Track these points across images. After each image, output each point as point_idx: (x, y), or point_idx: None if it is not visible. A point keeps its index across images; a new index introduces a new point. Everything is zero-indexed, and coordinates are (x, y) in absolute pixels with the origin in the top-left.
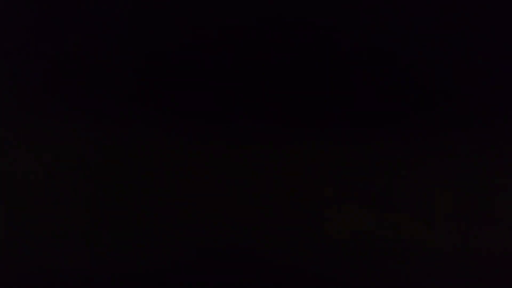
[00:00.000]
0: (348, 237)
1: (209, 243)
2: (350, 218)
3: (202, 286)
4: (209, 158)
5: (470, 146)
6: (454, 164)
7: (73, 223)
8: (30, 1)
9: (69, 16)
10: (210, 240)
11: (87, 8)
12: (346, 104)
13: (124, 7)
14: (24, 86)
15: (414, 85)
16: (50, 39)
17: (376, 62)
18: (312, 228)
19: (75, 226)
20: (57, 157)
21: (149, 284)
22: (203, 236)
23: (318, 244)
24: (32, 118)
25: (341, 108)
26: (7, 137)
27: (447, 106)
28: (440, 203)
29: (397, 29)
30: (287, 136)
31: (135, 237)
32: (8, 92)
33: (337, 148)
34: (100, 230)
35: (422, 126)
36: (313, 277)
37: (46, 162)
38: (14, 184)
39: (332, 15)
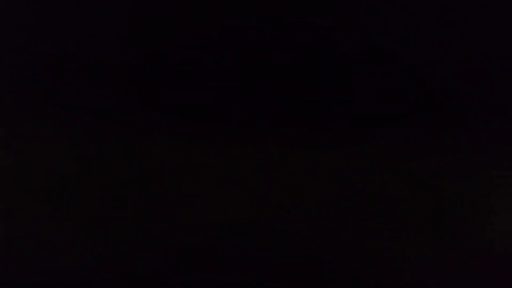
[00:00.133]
0: (348, 238)
1: (209, 243)
2: (350, 217)
3: (202, 286)
4: (209, 158)
5: (470, 146)
6: (454, 164)
7: (73, 223)
8: (30, 1)
9: (69, 16)
10: (210, 239)
11: (87, 8)
12: (346, 104)
13: (124, 7)
14: (24, 86)
15: (414, 85)
16: (50, 39)
17: (376, 62)
18: (312, 228)
19: (75, 226)
20: (57, 157)
21: (149, 284)
22: (203, 236)
23: (318, 244)
24: (32, 118)
25: (341, 108)
26: (7, 137)
27: (447, 106)
28: (441, 203)
29: (397, 29)
30: (287, 136)
31: (135, 237)
32: (8, 92)
33: (337, 148)
34: (100, 230)
35: (422, 126)
36: (313, 277)
37: (46, 162)
38: (14, 184)
39: (332, 15)
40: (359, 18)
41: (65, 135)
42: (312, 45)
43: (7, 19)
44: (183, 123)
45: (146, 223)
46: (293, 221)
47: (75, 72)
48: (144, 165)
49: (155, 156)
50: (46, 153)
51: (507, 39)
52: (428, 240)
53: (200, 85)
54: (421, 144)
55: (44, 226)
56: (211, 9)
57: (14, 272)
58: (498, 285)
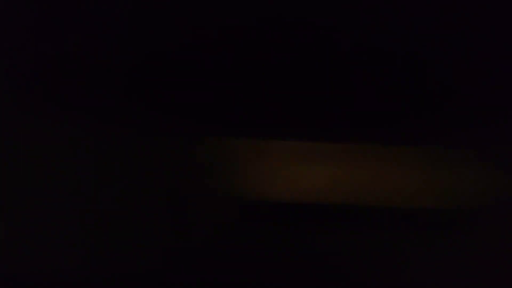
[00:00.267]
0: (348, 237)
1: (209, 243)
2: (350, 218)
3: (202, 286)
4: (209, 159)
5: (470, 146)
6: (454, 164)
7: (73, 223)
8: (30, 1)
9: (69, 16)
10: (210, 240)
11: (87, 8)
12: (346, 103)
13: (124, 7)
14: (24, 86)
15: (414, 85)
16: (50, 39)
17: (376, 62)
18: (312, 228)
19: (75, 226)
20: (57, 157)
21: (149, 284)
22: (203, 236)
23: (318, 244)
24: (32, 118)
25: (341, 108)
26: (7, 137)
27: (447, 106)
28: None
29: (397, 29)
30: (287, 136)
31: (135, 237)
32: (8, 92)
33: (337, 148)
34: (100, 230)
35: (422, 126)
36: (313, 277)
37: (46, 161)
38: (14, 184)
39: (332, 15)
40: (359, 18)
41: (65, 135)
42: (312, 45)
43: (7, 19)
44: (183, 123)
45: (146, 223)
46: (293, 221)
47: (75, 72)
48: (144, 165)
49: (155, 156)
50: (46, 153)
51: (507, 39)
52: (428, 240)
53: (200, 85)
54: (421, 144)
55: (44, 226)
56: (211, 9)
57: (14, 272)
58: (498, 285)
